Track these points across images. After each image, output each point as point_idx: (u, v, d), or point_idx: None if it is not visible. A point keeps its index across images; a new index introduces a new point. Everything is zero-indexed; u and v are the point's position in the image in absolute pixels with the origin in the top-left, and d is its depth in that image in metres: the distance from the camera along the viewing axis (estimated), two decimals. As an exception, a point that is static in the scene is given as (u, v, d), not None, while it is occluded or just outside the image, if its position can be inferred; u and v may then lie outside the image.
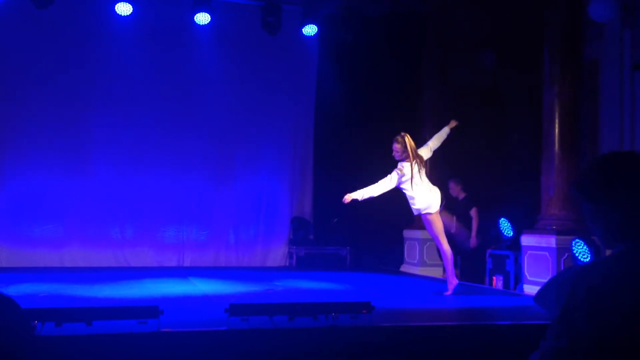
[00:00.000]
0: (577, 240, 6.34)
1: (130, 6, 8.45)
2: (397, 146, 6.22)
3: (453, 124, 6.48)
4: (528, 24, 8.71)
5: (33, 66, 8.74)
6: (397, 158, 6.25)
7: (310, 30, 9.39)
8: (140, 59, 9.12)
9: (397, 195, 9.69)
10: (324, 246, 9.61)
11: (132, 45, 9.04)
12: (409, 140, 6.19)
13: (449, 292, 6.21)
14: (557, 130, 6.91)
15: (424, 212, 6.20)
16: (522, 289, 6.99)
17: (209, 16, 8.73)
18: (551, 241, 6.66)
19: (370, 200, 9.46)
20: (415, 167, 6.18)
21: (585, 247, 6.25)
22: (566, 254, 6.52)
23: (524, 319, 4.94)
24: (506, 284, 7.40)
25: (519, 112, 9.48)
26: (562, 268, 6.44)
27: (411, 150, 6.17)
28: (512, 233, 7.54)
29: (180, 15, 8.96)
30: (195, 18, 8.79)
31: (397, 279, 8.30)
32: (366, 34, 9.41)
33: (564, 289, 1.42)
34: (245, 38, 9.50)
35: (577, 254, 6.33)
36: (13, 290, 5.67)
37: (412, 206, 6.26)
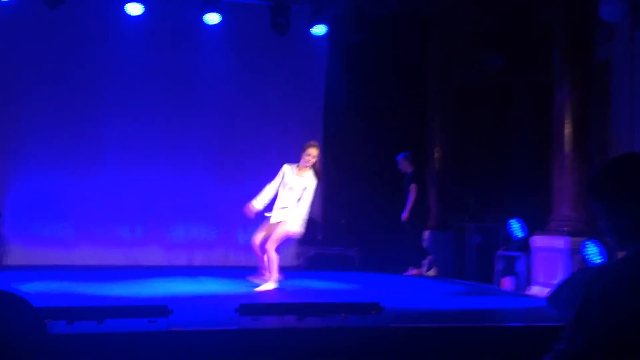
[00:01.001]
0: (588, 241, 6.30)
1: (140, 6, 8.49)
2: (315, 153, 6.35)
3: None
4: (533, 24, 8.68)
5: (43, 66, 8.79)
6: (305, 164, 6.36)
7: (319, 30, 9.40)
8: (149, 59, 9.17)
9: (403, 196, 9.69)
10: (332, 246, 9.60)
11: (141, 45, 9.07)
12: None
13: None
14: (567, 131, 6.87)
15: (275, 220, 6.39)
16: (530, 291, 6.96)
17: (219, 16, 8.75)
18: (562, 242, 6.62)
19: (379, 200, 9.49)
20: (300, 180, 6.34)
21: (596, 249, 6.21)
22: (577, 256, 6.48)
23: (535, 320, 4.92)
24: (516, 286, 7.37)
25: (526, 112, 9.43)
26: (574, 270, 6.40)
27: (315, 165, 6.36)
28: (522, 234, 7.50)
29: (190, 15, 8.98)
30: (204, 18, 8.81)
31: (406, 279, 8.29)
32: (374, 34, 9.41)
33: (578, 291, 1.41)
34: (254, 38, 9.52)
35: (588, 256, 6.29)
36: (25, 288, 5.70)
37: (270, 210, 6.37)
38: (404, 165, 8.75)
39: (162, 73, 9.24)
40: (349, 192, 9.66)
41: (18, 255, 8.50)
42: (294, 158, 9.85)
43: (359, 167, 9.63)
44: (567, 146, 6.86)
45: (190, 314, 4.53)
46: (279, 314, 4.11)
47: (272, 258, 6.31)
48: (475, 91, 9.56)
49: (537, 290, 6.76)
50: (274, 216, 6.42)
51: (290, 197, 6.38)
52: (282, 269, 9.09)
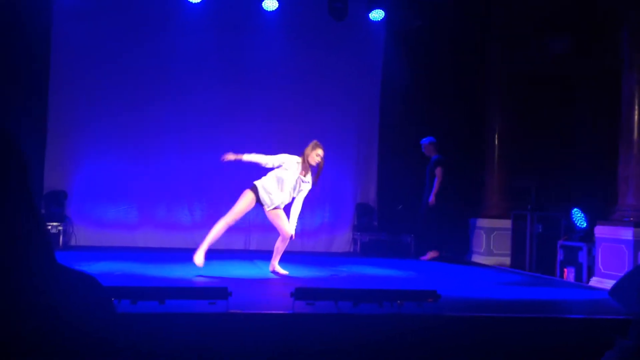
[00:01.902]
0: (655, 233, 6.05)
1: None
2: (322, 153, 6.21)
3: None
4: (598, 7, 8.32)
5: (108, 53, 9.07)
6: (311, 164, 6.17)
7: (376, 15, 9.32)
8: (208, 46, 9.33)
9: (463, 184, 9.54)
10: (388, 233, 9.57)
11: (200, 32, 9.25)
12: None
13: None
14: (637, 117, 6.58)
15: (272, 208, 6.10)
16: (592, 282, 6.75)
17: (277, 2, 8.79)
18: (628, 233, 6.37)
19: (436, 188, 9.36)
20: (303, 181, 6.14)
21: (664, 241, 5.95)
22: (644, 248, 6.24)
23: (597, 313, 4.77)
24: (578, 277, 7.16)
25: (591, 98, 9.08)
26: (639, 262, 6.16)
27: (320, 165, 6.18)
28: (585, 224, 7.27)
29: (248, 1, 9.06)
30: (263, 4, 8.87)
31: (463, 268, 8.18)
32: (432, 19, 9.24)
33: (648, 285, 1.36)
34: (311, 24, 9.53)
35: (655, 248, 6.04)
36: (90, 268, 5.94)
37: (269, 196, 6.06)
38: (429, 150, 8.75)
39: (221, 59, 9.38)
40: (405, 179, 9.59)
41: (84, 236, 8.86)
42: (351, 143, 9.91)
43: (416, 153, 9.52)
44: (636, 133, 6.58)
45: (248, 296, 4.62)
46: (334, 299, 4.13)
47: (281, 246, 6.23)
48: (537, 77, 9.27)
49: (600, 282, 6.55)
50: (273, 206, 6.15)
51: (288, 193, 6.16)
52: (337, 255, 9.17)
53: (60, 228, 8.38)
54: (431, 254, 8.65)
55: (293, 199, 6.22)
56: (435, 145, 8.77)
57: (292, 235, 6.15)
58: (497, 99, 9.30)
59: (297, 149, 9.73)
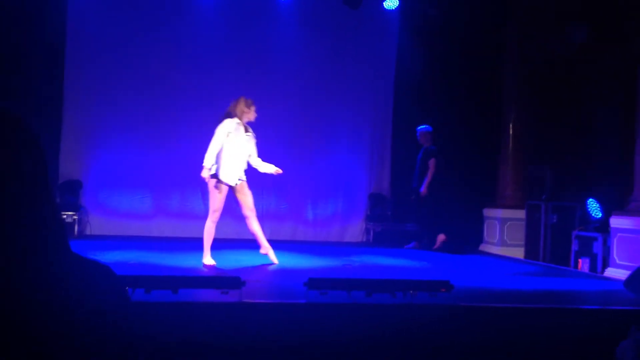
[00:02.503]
0: (672, 223, 5.98)
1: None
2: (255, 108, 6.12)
3: (277, 171, 6.22)
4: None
5: (125, 44, 9.08)
6: (253, 119, 6.17)
7: (391, 4, 9.26)
8: (223, 35, 9.32)
9: (476, 173, 9.48)
10: (401, 223, 9.55)
11: (214, 21, 9.25)
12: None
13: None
14: (654, 106, 6.49)
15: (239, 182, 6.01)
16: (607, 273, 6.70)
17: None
18: (644, 224, 6.31)
19: (449, 178, 9.32)
20: (245, 136, 6.06)
21: (681, 231, 5.89)
22: (660, 238, 6.17)
23: (611, 304, 4.74)
24: (593, 267, 7.11)
25: (610, 88, 8.96)
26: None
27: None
28: (601, 214, 7.21)
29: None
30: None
31: (476, 258, 8.15)
32: (447, 6, 9.15)
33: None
34: (326, 12, 9.49)
35: (672, 238, 5.98)
36: (105, 257, 6.00)
37: (231, 173, 5.95)
38: (426, 139, 8.71)
39: (235, 48, 9.37)
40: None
41: (99, 225, 8.94)
42: (365, 133, 9.88)
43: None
44: (653, 123, 6.50)
45: (261, 286, 4.64)
46: (347, 289, 4.13)
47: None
48: (554, 66, 9.16)
49: (615, 273, 6.49)
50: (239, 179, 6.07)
51: (244, 158, 6.11)
52: (351, 245, 9.18)
53: (75, 217, 8.46)
54: (440, 238, 8.60)
55: (248, 163, 6.21)
56: (431, 135, 8.74)
57: (277, 171, 6.23)
58: (513, 88, 9.21)
59: (311, 138, 9.79)
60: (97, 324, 0.94)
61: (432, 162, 8.54)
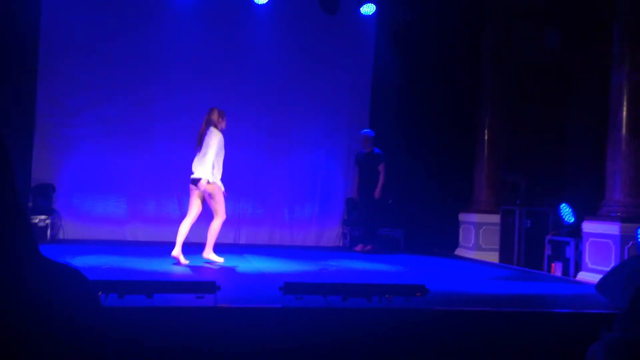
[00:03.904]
0: (642, 228, 6.10)
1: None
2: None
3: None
4: (597, 1, 8.34)
5: (96, 45, 8.99)
6: (225, 127, 6.55)
7: (368, 9, 9.31)
8: (199, 39, 9.27)
9: (453, 178, 9.57)
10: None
11: (191, 24, 9.19)
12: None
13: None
14: (625, 112, 6.62)
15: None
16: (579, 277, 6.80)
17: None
18: (615, 228, 6.43)
19: (427, 182, 9.40)
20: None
21: (651, 236, 6.01)
22: (630, 242, 6.29)
23: (583, 307, 4.81)
24: (565, 272, 7.21)
25: (585, 93, 9.13)
26: (626, 257, 6.21)
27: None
28: (573, 219, 7.32)
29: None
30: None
31: (452, 262, 8.22)
32: (424, 11, 9.24)
33: (634, 280, 1.37)
34: (303, 17, 9.51)
35: (642, 243, 6.09)
36: (78, 262, 5.91)
37: (219, 176, 6.36)
38: (369, 143, 8.76)
39: (212, 52, 9.33)
40: (396, 173, 9.61)
41: (72, 230, 8.81)
42: (342, 137, 9.90)
43: (406, 148, 9.54)
44: (624, 129, 6.62)
45: (236, 291, 4.61)
46: (323, 293, 4.13)
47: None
48: (529, 72, 9.31)
49: (587, 277, 6.60)
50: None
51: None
52: (327, 249, 9.19)
53: (48, 221, 8.32)
54: (367, 247, 8.64)
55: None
56: (373, 140, 8.78)
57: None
58: (488, 93, 9.33)
59: (287, 142, 9.78)
60: (66, 328, 0.93)
61: (382, 167, 8.64)
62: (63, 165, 8.97)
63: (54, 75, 8.90)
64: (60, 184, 8.92)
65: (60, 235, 8.70)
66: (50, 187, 8.78)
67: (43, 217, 8.27)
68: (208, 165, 6.18)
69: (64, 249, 7.26)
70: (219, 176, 6.35)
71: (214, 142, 6.25)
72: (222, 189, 6.39)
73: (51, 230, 8.39)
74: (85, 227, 8.86)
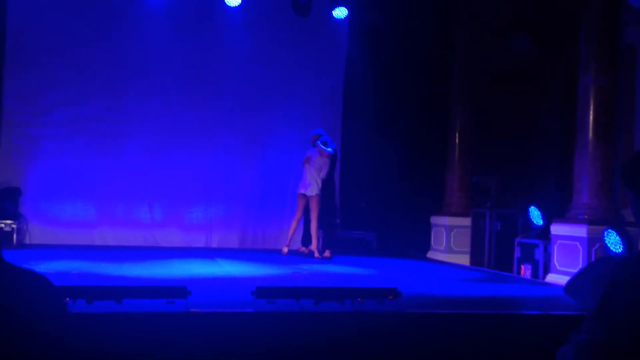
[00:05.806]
0: (609, 230, 6.22)
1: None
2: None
3: None
4: (563, 8, 8.51)
5: (66, 47, 8.84)
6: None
7: (340, 12, 9.34)
8: (171, 40, 9.18)
9: (425, 181, 9.64)
10: (350, 230, 9.60)
11: (163, 25, 9.09)
12: None
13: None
14: (591, 117, 6.74)
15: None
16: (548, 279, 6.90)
17: (240, -2, 8.71)
18: (582, 231, 6.54)
19: (398, 185, 9.46)
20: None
21: (617, 238, 6.13)
22: (597, 245, 6.41)
23: (552, 309, 4.88)
24: (535, 273, 7.32)
25: (553, 97, 9.29)
26: (593, 258, 6.33)
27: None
28: (542, 222, 7.43)
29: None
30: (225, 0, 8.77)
31: (424, 265, 8.27)
32: (397, 16, 9.31)
33: (602, 281, 1.38)
34: (275, 20, 9.49)
35: (608, 245, 6.21)
36: (45, 267, 5.79)
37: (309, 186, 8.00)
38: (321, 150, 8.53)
39: (183, 54, 9.25)
40: (368, 177, 9.65)
41: (39, 234, 8.62)
42: (311, 140, 9.89)
43: (379, 151, 9.58)
44: (591, 132, 6.75)
45: (208, 295, 4.56)
46: (296, 297, 4.11)
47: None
48: (500, 75, 9.44)
49: (556, 279, 6.71)
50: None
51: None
52: (299, 253, 9.17)
53: (14, 226, 8.13)
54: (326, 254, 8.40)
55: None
56: (312, 138, 8.56)
57: None
58: (459, 96, 9.43)
59: (260, 145, 9.73)
60: (29, 335, 0.90)
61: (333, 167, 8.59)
62: (30, 168, 8.79)
63: (20, 75, 8.71)
64: (27, 188, 8.73)
65: (27, 240, 8.51)
66: (16, 190, 8.58)
67: (9, 221, 8.07)
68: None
69: (31, 254, 7.10)
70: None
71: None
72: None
73: (17, 235, 8.20)
74: (53, 231, 8.69)
